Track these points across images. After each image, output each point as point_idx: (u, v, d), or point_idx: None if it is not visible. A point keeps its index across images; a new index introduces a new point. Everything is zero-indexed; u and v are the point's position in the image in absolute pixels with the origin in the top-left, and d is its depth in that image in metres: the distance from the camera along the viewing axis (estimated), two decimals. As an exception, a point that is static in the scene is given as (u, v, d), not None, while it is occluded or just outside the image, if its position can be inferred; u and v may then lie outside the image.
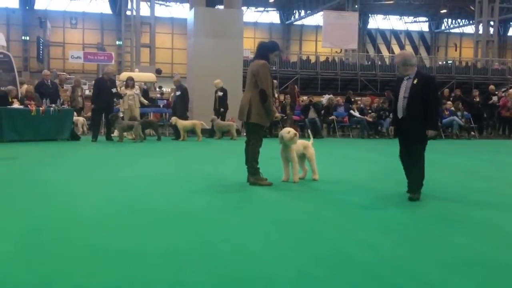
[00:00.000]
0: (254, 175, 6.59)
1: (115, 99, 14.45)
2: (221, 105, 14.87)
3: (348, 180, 7.30)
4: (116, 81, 16.32)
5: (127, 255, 3.54)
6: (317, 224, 4.56)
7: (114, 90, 13.65)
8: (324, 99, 18.59)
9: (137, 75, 21.54)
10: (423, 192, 5.74)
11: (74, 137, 13.32)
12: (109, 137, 13.42)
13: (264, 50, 6.68)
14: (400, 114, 5.84)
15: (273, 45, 6.88)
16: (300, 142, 7.07)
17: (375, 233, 4.27)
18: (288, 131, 6.70)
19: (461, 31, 57.58)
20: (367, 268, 3.36)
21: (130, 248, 3.71)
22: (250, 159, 6.62)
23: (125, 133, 13.36)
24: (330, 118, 17.10)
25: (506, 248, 3.94)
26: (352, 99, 20.07)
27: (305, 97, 18.65)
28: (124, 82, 15.20)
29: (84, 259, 3.45)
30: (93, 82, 15.39)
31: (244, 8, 30.38)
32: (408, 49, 56.24)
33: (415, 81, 5.68)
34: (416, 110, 5.66)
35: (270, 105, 6.56)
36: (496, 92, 20.62)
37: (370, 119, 16.73)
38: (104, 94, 13.26)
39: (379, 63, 35.53)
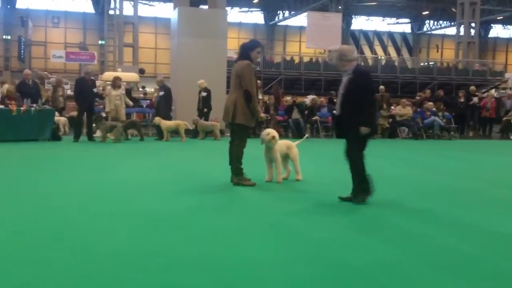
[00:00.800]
0: (237, 175, 6.60)
1: (97, 99, 14.34)
2: (204, 105, 14.83)
3: (332, 180, 7.32)
4: (97, 81, 16.16)
5: (117, 256, 3.52)
6: (303, 225, 4.57)
7: (94, 90, 13.55)
8: (308, 99, 18.64)
9: (120, 74, 21.37)
10: (408, 193, 5.78)
11: (56, 137, 13.19)
12: (91, 138, 13.29)
13: (245, 50, 6.71)
14: (337, 111, 5.78)
15: (253, 43, 6.87)
16: (284, 142, 7.09)
17: (361, 233, 4.29)
18: (267, 133, 6.71)
19: (443, 33, 58.19)
20: (354, 267, 3.38)
21: (120, 249, 3.68)
22: (234, 160, 6.62)
23: (108, 134, 13.25)
24: (313, 118, 17.15)
25: (490, 247, 3.99)
26: (335, 100, 20.13)
27: (288, 98, 18.68)
28: (110, 82, 15.07)
29: (72, 260, 3.42)
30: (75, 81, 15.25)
31: (228, 8, 30.27)
32: (391, 50, 56.85)
33: (351, 77, 5.51)
34: (350, 107, 5.47)
35: (255, 105, 6.56)
36: (477, 93, 20.87)
37: (353, 120, 16.78)
38: (86, 94, 13.14)
39: (362, 64, 35.71)
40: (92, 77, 14.27)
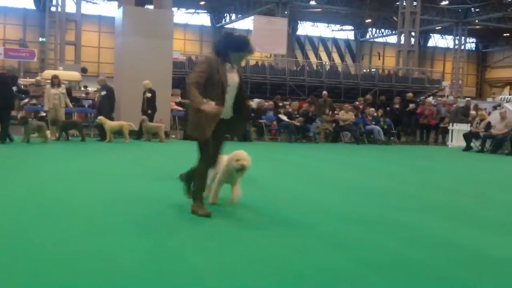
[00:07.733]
0: (195, 200, 5.17)
1: (22, 96, 13.89)
2: (149, 106, 14.62)
3: (276, 185, 7.38)
4: (21, 79, 15.57)
5: (54, 260, 3.42)
6: (249, 231, 4.57)
7: (14, 88, 12.97)
8: (254, 103, 18.75)
9: (61, 73, 20.78)
10: (351, 197, 5.87)
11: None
12: (1, 138, 11.93)
13: (224, 45, 5.01)
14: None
15: (239, 42, 5.04)
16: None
17: (306, 238, 4.33)
18: (237, 159, 5.30)
19: (385, 41, 59.98)
20: (299, 272, 3.42)
21: (56, 253, 3.57)
22: (194, 184, 5.30)
23: (34, 134, 12.73)
24: (260, 122, 17.27)
25: (428, 249, 4.12)
26: (280, 104, 20.36)
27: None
28: (49, 81, 14.59)
29: (8, 265, 3.31)
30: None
31: (174, 9, 30.02)
32: (335, 56, 58.05)
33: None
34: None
35: (194, 97, 4.72)
36: (418, 100, 21.57)
37: (298, 124, 17.03)
38: (3, 92, 11.88)
39: (307, 69, 36.27)
40: (15, 74, 13.71)
